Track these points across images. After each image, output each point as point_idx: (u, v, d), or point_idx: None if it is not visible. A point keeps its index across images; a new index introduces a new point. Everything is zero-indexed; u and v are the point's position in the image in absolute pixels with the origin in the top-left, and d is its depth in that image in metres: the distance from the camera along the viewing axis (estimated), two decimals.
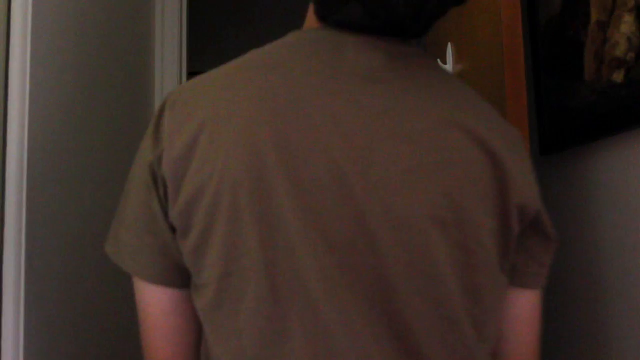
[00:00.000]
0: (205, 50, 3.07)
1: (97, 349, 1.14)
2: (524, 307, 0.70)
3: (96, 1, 1.17)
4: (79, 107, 1.07)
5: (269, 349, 0.58)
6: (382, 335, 0.58)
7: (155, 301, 0.65)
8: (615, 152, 1.01)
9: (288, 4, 3.16)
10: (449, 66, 1.34)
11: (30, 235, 0.86)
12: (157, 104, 1.63)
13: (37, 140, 0.89)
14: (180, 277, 0.63)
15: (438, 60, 0.71)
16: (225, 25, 3.17)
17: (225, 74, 0.64)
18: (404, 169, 0.59)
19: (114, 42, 1.28)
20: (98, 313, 1.16)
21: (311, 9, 0.70)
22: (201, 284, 0.60)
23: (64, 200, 1.00)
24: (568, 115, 1.15)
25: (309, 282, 0.57)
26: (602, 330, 1.08)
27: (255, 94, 0.60)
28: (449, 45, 1.34)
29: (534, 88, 1.30)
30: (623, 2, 0.94)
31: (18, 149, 0.84)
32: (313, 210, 0.57)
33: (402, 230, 0.59)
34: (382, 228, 0.58)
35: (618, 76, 0.96)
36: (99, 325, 1.16)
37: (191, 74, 1.84)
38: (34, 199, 0.88)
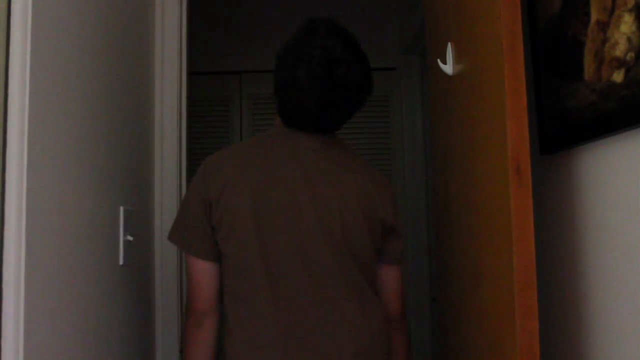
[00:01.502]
0: (205, 50, 3.07)
1: (97, 349, 1.14)
2: (390, 274, 1.34)
3: (96, 1, 1.17)
4: (79, 107, 1.07)
5: (251, 291, 1.21)
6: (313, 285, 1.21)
7: (200, 267, 1.24)
8: (615, 152, 1.01)
9: (287, 4, 3.16)
10: (449, 66, 1.34)
11: (30, 235, 0.86)
12: (157, 104, 1.63)
13: (37, 140, 0.89)
14: (213, 255, 1.23)
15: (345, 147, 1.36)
16: (225, 25, 3.17)
17: (237, 151, 1.27)
18: (331, 197, 1.22)
19: (114, 42, 1.28)
20: (98, 313, 1.16)
21: (277, 118, 1.33)
22: (225, 254, 1.22)
23: (65, 200, 1.00)
24: (568, 115, 1.15)
25: (275, 267, 1.20)
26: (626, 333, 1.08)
27: (252, 166, 1.23)
28: (449, 45, 1.34)
29: (534, 88, 1.30)
30: (623, 2, 0.94)
31: (18, 149, 0.84)
32: (280, 221, 1.20)
33: (321, 229, 1.21)
34: (312, 228, 1.20)
35: (618, 76, 0.96)
36: (99, 324, 1.16)
37: (191, 74, 1.84)
38: (34, 199, 0.88)
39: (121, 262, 1.28)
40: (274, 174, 1.22)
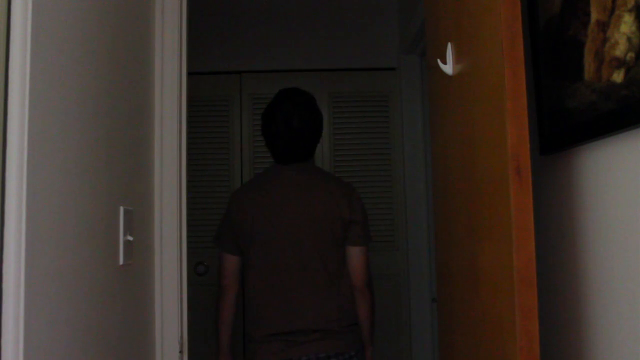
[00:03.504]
0: (205, 50, 3.07)
1: (97, 349, 1.15)
2: (351, 253, 1.94)
3: (96, 1, 1.17)
4: (79, 107, 1.07)
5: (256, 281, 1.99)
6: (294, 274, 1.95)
7: (227, 258, 2.03)
8: (615, 152, 1.01)
9: (288, 4, 3.16)
10: (449, 66, 1.34)
11: (30, 235, 0.86)
12: (157, 104, 1.63)
13: (37, 140, 0.89)
14: (236, 251, 2.02)
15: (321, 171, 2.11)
16: (225, 25, 3.16)
17: (246, 184, 2.12)
18: (301, 208, 1.94)
19: (114, 42, 1.28)
20: (98, 313, 1.16)
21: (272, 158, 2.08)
22: (244, 251, 2.01)
23: (65, 200, 1.00)
24: (568, 115, 1.15)
25: (271, 255, 1.95)
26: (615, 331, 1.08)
27: (252, 192, 2.03)
28: (449, 45, 1.34)
29: (534, 88, 1.30)
30: (623, 2, 0.94)
31: (18, 149, 0.85)
32: (271, 226, 1.96)
33: (297, 231, 1.93)
34: (293, 231, 1.93)
35: (618, 76, 0.96)
36: (99, 324, 1.16)
37: (191, 74, 1.84)
38: (34, 199, 0.88)
39: (121, 262, 1.28)
40: (265, 196, 1.98)
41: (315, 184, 1.97)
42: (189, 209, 1.69)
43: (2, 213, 0.83)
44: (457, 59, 1.31)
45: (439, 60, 1.38)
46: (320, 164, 3.06)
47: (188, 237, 1.67)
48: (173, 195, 1.63)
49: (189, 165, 1.74)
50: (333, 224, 1.90)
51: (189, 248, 1.68)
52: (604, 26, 1.00)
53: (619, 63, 0.95)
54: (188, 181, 1.70)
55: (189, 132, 1.73)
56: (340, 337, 1.89)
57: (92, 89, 1.14)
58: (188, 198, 1.69)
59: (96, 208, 1.15)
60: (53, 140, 0.96)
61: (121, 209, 1.29)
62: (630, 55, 0.92)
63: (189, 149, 1.73)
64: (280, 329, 1.90)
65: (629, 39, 0.92)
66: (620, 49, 0.95)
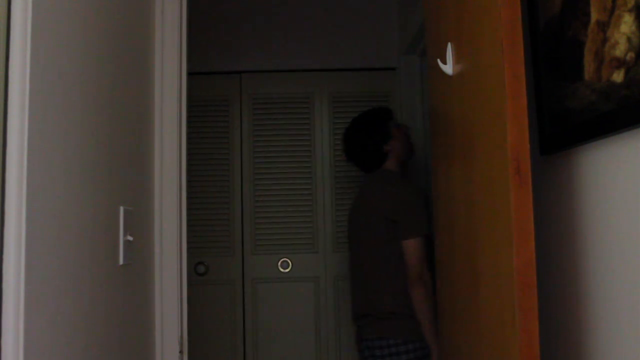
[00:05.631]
0: (205, 50, 3.06)
1: (97, 349, 1.15)
2: (404, 247, 2.12)
3: (96, 1, 1.17)
4: (79, 107, 1.07)
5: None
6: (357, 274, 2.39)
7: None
8: (615, 152, 1.01)
9: (288, 4, 3.16)
10: (449, 66, 1.34)
11: (30, 235, 0.86)
12: (157, 104, 1.63)
13: (37, 140, 0.89)
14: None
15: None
16: (225, 25, 3.16)
17: None
18: (361, 210, 2.34)
19: (114, 42, 1.28)
20: (98, 313, 1.16)
21: None
22: None
23: (65, 200, 1.00)
24: (568, 115, 1.15)
25: (350, 254, 2.46)
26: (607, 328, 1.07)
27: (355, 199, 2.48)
28: (449, 45, 1.34)
29: (534, 88, 1.30)
30: (623, 2, 0.94)
31: (18, 149, 0.85)
32: (349, 227, 2.46)
33: (356, 231, 2.36)
34: (354, 232, 2.39)
35: (618, 76, 0.96)
36: (99, 324, 1.16)
37: (191, 74, 1.84)
38: (34, 199, 0.88)
39: (121, 262, 1.28)
40: (355, 206, 2.40)
41: (376, 188, 2.29)
42: (189, 209, 1.69)
43: (2, 213, 0.83)
44: (457, 59, 1.31)
45: (439, 60, 1.38)
46: (320, 163, 3.07)
47: (188, 237, 1.67)
48: (173, 195, 1.63)
49: (189, 165, 1.74)
50: (378, 223, 2.17)
51: (189, 248, 1.68)
52: (604, 26, 1.00)
53: (619, 63, 0.95)
54: (188, 181, 1.70)
55: (189, 132, 1.73)
56: (381, 323, 2.15)
57: (92, 90, 1.14)
58: (188, 198, 1.69)
59: (96, 208, 1.15)
60: (53, 140, 0.96)
61: (121, 209, 1.29)
62: (630, 55, 0.92)
63: (189, 149, 1.73)
64: (354, 314, 2.34)
65: (629, 39, 0.92)
66: (620, 49, 0.95)
